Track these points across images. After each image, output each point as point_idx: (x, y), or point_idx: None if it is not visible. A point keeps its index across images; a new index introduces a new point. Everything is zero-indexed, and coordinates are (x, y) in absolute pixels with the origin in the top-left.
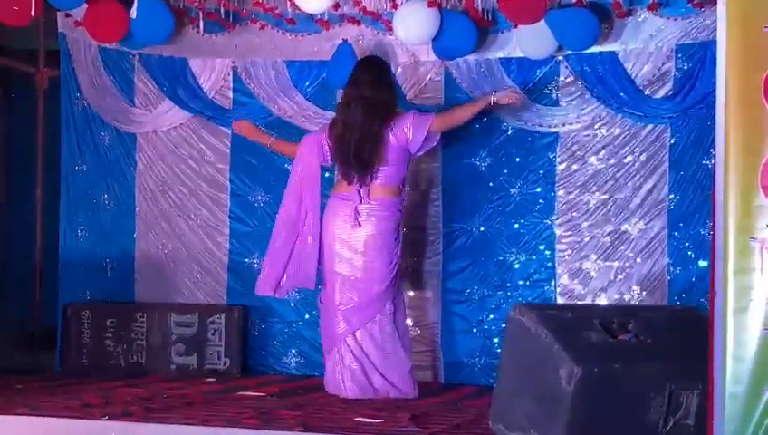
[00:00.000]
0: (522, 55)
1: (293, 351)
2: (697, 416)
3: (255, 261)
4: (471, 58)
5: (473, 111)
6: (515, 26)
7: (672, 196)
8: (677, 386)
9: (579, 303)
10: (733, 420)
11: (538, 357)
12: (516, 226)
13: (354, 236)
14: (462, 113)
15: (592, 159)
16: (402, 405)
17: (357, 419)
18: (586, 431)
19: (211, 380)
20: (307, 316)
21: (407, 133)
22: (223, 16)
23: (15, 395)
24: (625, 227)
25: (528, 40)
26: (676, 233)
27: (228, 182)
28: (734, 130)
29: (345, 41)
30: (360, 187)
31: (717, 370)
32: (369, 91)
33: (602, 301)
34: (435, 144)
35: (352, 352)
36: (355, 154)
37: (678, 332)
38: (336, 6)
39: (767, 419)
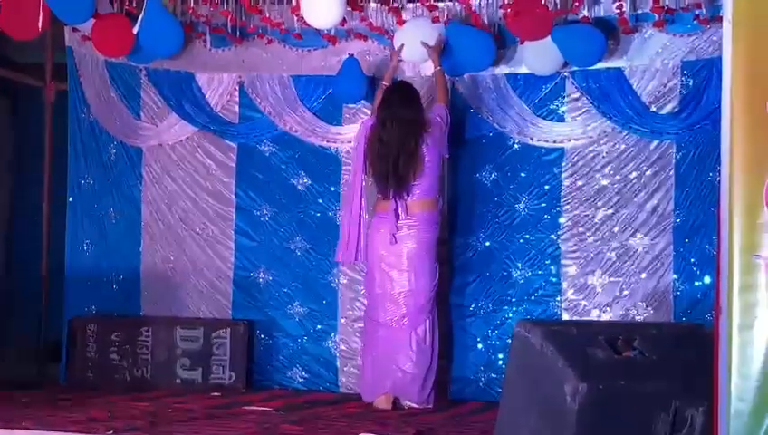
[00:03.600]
0: (528, 71)
1: (299, 366)
2: (702, 433)
3: (261, 276)
4: (477, 73)
5: (436, 72)
6: (522, 42)
7: (678, 212)
8: (682, 403)
9: (584, 319)
10: None
11: (543, 373)
12: (522, 241)
13: (396, 252)
14: (437, 81)
15: (598, 175)
16: (408, 420)
17: (362, 434)
18: None
19: (216, 394)
20: (312, 331)
21: (442, 128)
22: (230, 31)
23: (21, 409)
24: (630, 242)
25: (534, 56)
26: (681, 249)
27: (234, 196)
28: (740, 146)
29: (351, 55)
30: (397, 203)
31: (722, 387)
32: (402, 110)
33: (607, 317)
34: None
35: (387, 360)
36: (393, 170)
37: (684, 349)
38: (343, 22)
39: None
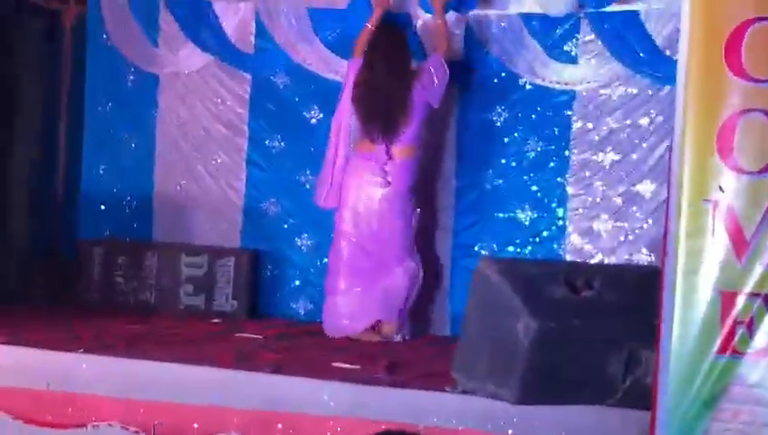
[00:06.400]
0: (542, 11)
1: (304, 297)
2: None
3: (270, 206)
4: (491, 13)
5: (440, 24)
6: None
7: None
8: (637, 345)
9: (550, 259)
10: (678, 379)
11: (499, 310)
12: (529, 183)
13: (372, 196)
14: (438, 31)
15: (608, 119)
16: (387, 352)
17: (334, 364)
18: (541, 385)
19: (216, 321)
20: (318, 263)
21: (433, 80)
22: None
23: (8, 325)
24: (637, 188)
25: None
26: None
27: (246, 127)
28: (694, 91)
29: None
30: (387, 147)
31: (665, 329)
32: (390, 53)
33: (611, 261)
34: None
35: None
36: (384, 114)
37: (644, 290)
38: None
39: (711, 379)
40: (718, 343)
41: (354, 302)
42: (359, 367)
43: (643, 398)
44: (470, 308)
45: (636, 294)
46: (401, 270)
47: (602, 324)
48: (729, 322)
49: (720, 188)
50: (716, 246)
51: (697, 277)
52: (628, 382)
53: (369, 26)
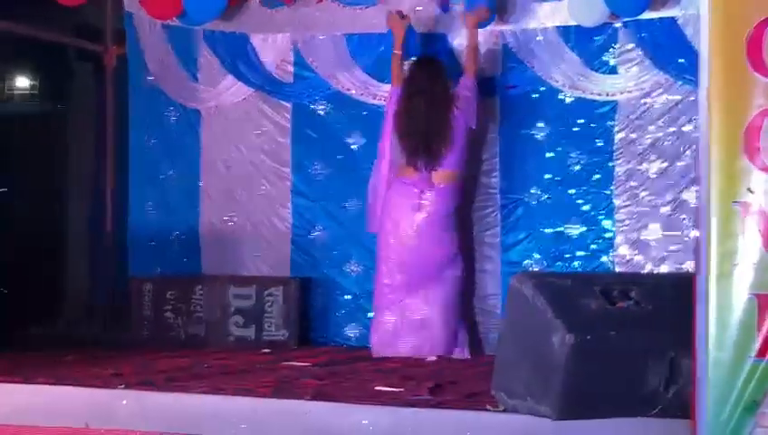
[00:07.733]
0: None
1: (354, 323)
2: None
3: (318, 234)
4: (529, 27)
5: (472, 46)
6: None
7: None
8: (679, 353)
9: (588, 272)
10: (717, 386)
11: (535, 325)
12: (574, 196)
13: (412, 221)
14: (470, 53)
15: (651, 128)
16: (434, 374)
17: (377, 387)
18: (581, 399)
19: (266, 351)
20: (368, 288)
21: (467, 102)
22: None
23: (59, 366)
24: (684, 196)
25: (579, 7)
26: None
27: (290, 156)
28: (717, 92)
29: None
30: (428, 173)
31: (701, 336)
32: (429, 86)
33: (663, 271)
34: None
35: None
36: (424, 145)
37: (683, 298)
38: None
39: (751, 385)
40: (756, 346)
41: (398, 320)
42: (402, 390)
43: (686, 407)
44: (506, 325)
45: (675, 302)
46: (443, 279)
47: (641, 335)
48: (766, 325)
49: (749, 189)
50: (749, 248)
51: (731, 281)
52: (671, 392)
53: (397, 52)
